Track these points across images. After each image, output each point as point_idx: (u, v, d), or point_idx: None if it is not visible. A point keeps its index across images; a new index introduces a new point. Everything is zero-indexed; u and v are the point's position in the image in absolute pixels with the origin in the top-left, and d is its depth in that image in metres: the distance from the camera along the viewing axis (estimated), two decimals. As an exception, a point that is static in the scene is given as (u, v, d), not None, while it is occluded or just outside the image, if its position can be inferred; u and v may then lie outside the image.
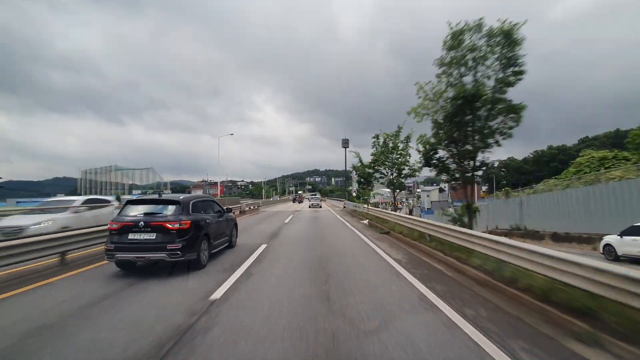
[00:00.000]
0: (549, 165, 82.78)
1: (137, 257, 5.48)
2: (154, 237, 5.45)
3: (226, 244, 7.95)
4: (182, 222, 5.61)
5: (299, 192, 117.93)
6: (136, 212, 5.80)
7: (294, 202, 58.97)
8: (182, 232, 5.58)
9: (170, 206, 5.88)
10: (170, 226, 5.49)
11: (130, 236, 5.46)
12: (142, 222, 5.48)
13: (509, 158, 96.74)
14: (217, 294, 4.56)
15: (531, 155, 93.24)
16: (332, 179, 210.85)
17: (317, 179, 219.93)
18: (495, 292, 4.72)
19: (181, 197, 6.16)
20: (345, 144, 61.84)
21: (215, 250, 7.08)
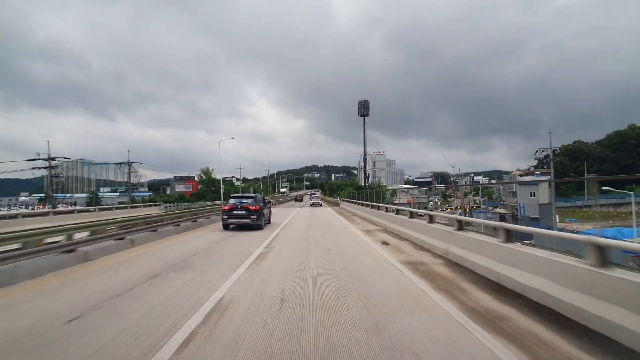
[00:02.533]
0: (637, 150, 64.90)
1: (237, 222, 12.27)
2: (244, 213, 12.25)
3: (268, 221, 14.69)
4: (256, 206, 12.40)
5: (282, 190, 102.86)
6: (235, 200, 12.63)
7: (295, 200, 58.34)
8: (256, 211, 12.36)
9: (250, 199, 12.69)
10: (251, 208, 12.28)
11: (234, 212, 12.25)
12: (239, 205, 12.28)
13: (575, 142, 75.78)
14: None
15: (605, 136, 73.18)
16: (332, 174, 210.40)
17: (315, 175, 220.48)
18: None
19: (253, 195, 12.99)
20: (364, 109, 41.71)
21: (265, 223, 13.81)
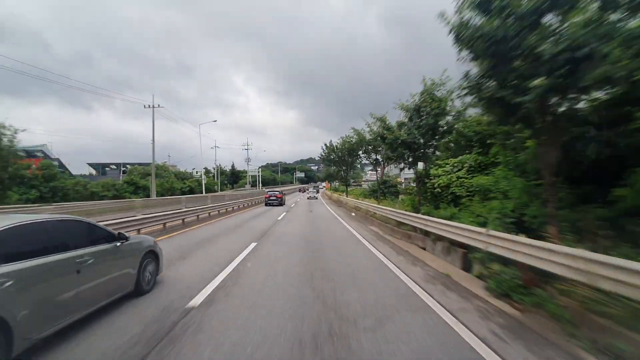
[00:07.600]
0: None
1: (271, 202, 25.92)
2: (275, 198, 25.91)
3: (284, 203, 28.01)
4: (280, 195, 26.05)
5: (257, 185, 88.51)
6: (270, 192, 26.21)
7: (299, 191, 61.12)
8: (280, 197, 26.05)
9: (277, 191, 26.27)
10: (278, 195, 25.98)
11: (270, 198, 25.97)
12: (273, 194, 25.91)
13: None
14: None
15: None
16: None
17: (313, 167, 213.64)
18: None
19: (279, 189, 26.70)
20: None
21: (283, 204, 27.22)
